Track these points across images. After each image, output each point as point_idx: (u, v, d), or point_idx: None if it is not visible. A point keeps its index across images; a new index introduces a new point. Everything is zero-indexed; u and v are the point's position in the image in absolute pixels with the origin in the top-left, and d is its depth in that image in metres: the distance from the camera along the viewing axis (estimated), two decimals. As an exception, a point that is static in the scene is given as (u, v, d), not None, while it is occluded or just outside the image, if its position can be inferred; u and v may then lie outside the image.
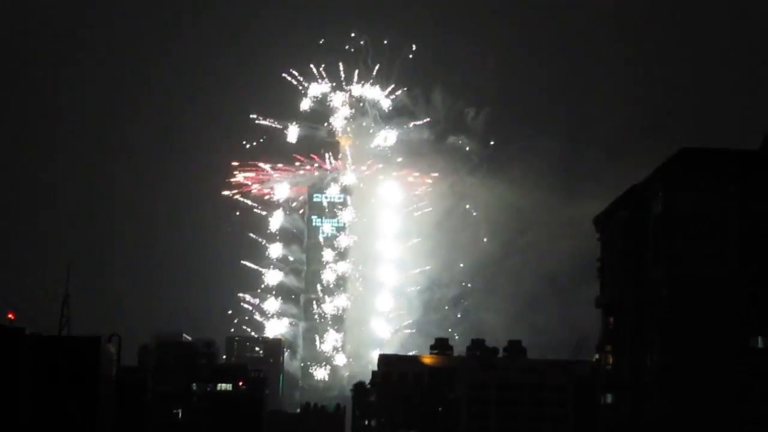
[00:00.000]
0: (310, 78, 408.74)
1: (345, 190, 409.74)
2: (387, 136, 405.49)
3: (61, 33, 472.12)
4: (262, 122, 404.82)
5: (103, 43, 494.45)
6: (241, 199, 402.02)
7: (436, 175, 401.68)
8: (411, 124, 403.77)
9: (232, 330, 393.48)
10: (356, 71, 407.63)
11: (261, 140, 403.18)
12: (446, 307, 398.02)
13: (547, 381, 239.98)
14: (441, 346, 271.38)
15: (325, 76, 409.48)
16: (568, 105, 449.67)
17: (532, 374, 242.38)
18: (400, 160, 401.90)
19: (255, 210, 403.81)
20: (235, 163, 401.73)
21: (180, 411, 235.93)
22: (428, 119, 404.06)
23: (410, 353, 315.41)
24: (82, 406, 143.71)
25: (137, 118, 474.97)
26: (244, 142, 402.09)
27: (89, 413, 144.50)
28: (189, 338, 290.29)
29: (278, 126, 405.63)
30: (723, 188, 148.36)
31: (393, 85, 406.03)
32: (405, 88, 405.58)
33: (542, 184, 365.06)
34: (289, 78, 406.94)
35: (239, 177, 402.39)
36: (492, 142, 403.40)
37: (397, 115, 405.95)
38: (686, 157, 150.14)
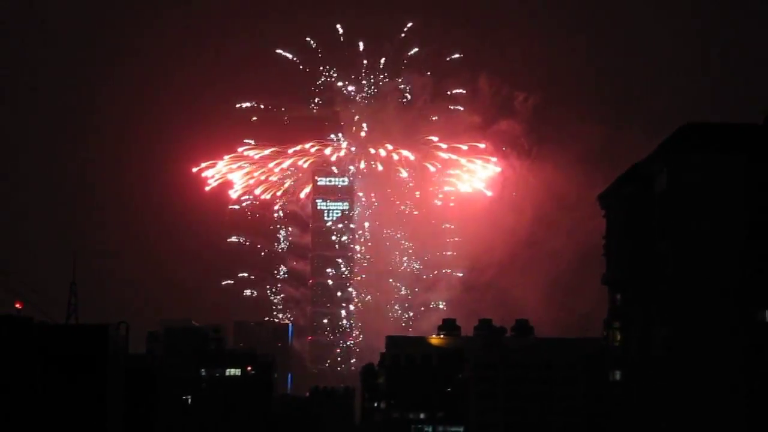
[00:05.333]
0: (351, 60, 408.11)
1: (351, 174, 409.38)
2: (432, 119, 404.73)
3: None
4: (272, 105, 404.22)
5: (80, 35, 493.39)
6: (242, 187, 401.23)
7: (478, 159, 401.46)
8: (455, 108, 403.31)
9: (240, 315, 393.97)
10: (403, 58, 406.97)
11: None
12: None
13: (555, 359, 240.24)
14: (448, 327, 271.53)
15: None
16: (611, 87, 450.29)
17: (539, 353, 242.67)
18: (444, 146, 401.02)
19: (261, 196, 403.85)
20: (240, 148, 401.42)
21: (189, 397, 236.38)
22: (474, 104, 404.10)
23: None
24: (91, 394, 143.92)
25: (139, 104, 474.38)
26: (254, 118, 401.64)
27: (98, 401, 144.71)
28: (197, 324, 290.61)
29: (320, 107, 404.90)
30: (728, 163, 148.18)
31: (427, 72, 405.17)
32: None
33: (586, 167, 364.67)
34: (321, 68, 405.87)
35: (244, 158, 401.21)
36: (535, 126, 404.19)
37: (443, 99, 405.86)
38: (690, 132, 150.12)
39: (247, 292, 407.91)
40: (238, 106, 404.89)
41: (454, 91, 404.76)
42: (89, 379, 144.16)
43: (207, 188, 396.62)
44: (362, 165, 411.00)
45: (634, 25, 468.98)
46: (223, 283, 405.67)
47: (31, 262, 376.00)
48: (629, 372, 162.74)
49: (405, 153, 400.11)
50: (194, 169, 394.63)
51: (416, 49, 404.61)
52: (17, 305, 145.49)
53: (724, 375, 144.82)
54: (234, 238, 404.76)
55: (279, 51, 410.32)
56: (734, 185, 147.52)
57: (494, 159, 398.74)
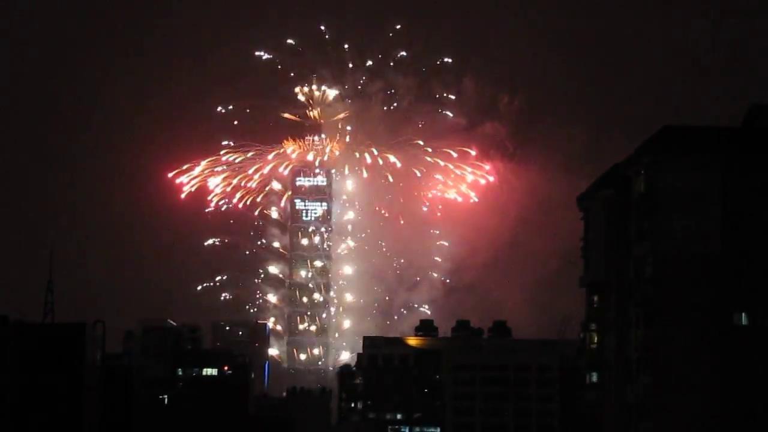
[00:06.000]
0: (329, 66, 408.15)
1: (328, 174, 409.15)
2: (417, 121, 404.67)
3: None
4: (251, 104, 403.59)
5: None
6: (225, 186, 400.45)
7: (462, 160, 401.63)
8: (440, 110, 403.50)
9: (218, 316, 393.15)
10: (392, 58, 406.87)
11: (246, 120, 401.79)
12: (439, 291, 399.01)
13: (532, 361, 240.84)
14: (426, 327, 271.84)
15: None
16: (594, 89, 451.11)
17: (517, 354, 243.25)
18: (426, 146, 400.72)
19: (240, 199, 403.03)
20: (221, 151, 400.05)
21: (166, 397, 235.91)
22: (456, 104, 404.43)
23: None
24: (67, 392, 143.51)
25: (114, 101, 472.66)
26: (236, 122, 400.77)
27: (75, 400, 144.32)
28: (174, 324, 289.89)
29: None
30: (706, 165, 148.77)
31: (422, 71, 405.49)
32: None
33: (570, 168, 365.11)
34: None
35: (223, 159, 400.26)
36: (522, 128, 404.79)
37: (426, 100, 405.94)
38: (668, 134, 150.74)
39: (225, 293, 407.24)
40: (219, 109, 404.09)
41: (439, 94, 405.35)
42: (65, 378, 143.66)
43: (183, 191, 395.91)
44: (345, 167, 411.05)
45: (619, 28, 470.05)
46: (200, 287, 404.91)
47: (6, 260, 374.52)
48: (605, 374, 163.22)
49: (389, 156, 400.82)
50: (170, 174, 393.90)
51: (402, 53, 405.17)
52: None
53: (700, 377, 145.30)
54: (211, 240, 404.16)
55: (259, 53, 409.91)
56: (712, 187, 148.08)
57: (482, 164, 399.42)
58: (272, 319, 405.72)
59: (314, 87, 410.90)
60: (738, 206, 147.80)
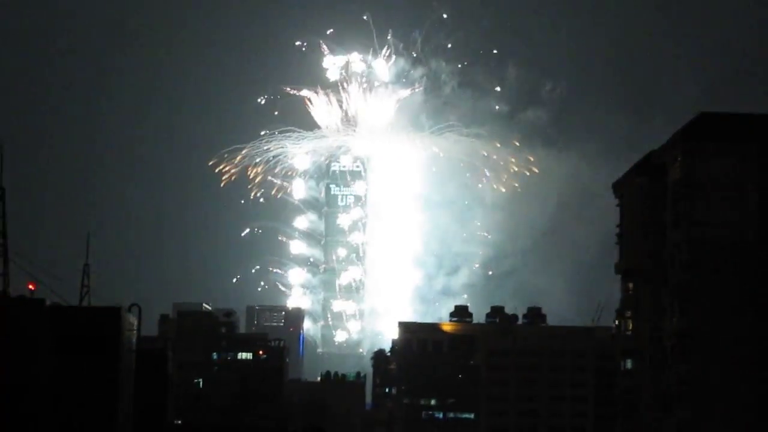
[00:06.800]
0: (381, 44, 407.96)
1: (362, 160, 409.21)
2: (459, 108, 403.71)
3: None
4: (291, 92, 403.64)
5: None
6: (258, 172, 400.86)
7: (506, 147, 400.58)
8: (481, 97, 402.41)
9: (253, 300, 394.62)
10: (434, 45, 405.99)
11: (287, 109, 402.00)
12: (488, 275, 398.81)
13: (567, 347, 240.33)
14: (460, 313, 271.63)
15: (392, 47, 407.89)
16: (636, 77, 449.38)
17: (551, 340, 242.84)
18: (467, 133, 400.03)
19: (275, 180, 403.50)
20: (262, 133, 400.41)
21: (201, 380, 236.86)
22: (499, 90, 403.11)
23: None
24: (103, 376, 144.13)
25: (150, 87, 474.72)
26: (276, 113, 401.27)
27: (110, 384, 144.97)
28: (209, 308, 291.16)
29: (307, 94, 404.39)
30: (742, 152, 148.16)
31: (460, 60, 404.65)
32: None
33: (611, 155, 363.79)
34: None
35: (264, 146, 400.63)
36: (565, 116, 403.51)
37: (468, 87, 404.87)
38: (704, 121, 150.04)
39: (261, 280, 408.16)
40: (260, 100, 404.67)
41: (482, 81, 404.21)
42: (101, 362, 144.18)
43: (223, 180, 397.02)
44: (384, 153, 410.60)
45: (661, 14, 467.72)
46: (237, 273, 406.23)
47: (44, 243, 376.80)
48: (640, 361, 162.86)
49: (431, 143, 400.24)
50: (210, 162, 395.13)
51: (444, 38, 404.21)
52: (30, 287, 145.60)
53: (736, 366, 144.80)
54: (248, 229, 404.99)
55: (299, 43, 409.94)
56: (748, 175, 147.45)
57: (524, 152, 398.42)
58: (308, 304, 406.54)
59: (354, 72, 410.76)
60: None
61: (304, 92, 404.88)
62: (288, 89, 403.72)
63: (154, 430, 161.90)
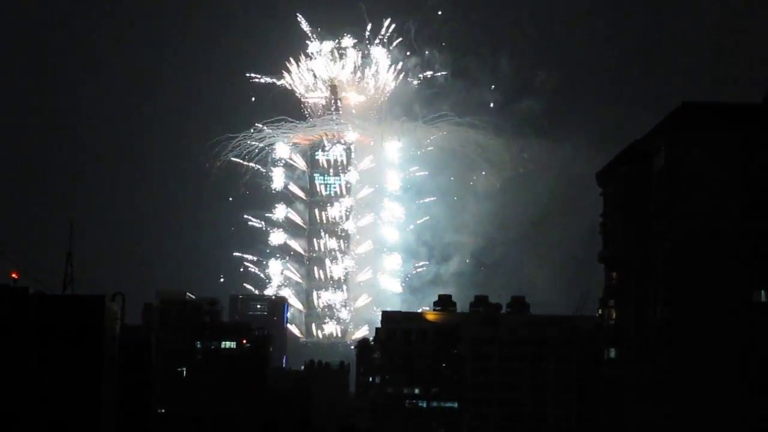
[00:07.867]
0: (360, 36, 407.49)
1: (349, 149, 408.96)
2: (452, 97, 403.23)
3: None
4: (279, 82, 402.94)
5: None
6: (243, 162, 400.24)
7: (495, 138, 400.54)
8: (473, 88, 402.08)
9: (236, 289, 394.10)
10: (428, 34, 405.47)
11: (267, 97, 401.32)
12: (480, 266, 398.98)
13: (550, 336, 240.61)
14: (444, 302, 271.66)
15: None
16: (628, 68, 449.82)
17: (534, 329, 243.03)
18: (460, 122, 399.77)
19: (257, 168, 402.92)
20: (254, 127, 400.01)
21: (184, 369, 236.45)
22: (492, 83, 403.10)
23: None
24: (86, 365, 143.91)
25: (135, 73, 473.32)
26: (253, 99, 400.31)
27: (94, 372, 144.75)
28: (193, 297, 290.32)
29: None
30: (725, 142, 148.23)
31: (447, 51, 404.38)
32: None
33: (602, 147, 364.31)
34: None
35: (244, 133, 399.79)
36: (557, 106, 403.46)
37: (461, 76, 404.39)
38: (688, 111, 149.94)
39: (247, 266, 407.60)
40: (253, 79, 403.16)
41: (475, 71, 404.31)
42: (85, 350, 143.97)
43: (210, 168, 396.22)
44: (374, 141, 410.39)
45: (649, 5, 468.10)
46: (219, 261, 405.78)
47: (27, 232, 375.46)
48: (624, 350, 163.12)
49: (423, 131, 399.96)
50: (197, 152, 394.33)
51: (437, 27, 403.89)
52: (13, 275, 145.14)
53: (719, 354, 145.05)
54: (233, 216, 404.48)
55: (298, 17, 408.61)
56: (731, 163, 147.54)
57: (516, 141, 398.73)
58: (291, 294, 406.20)
59: (347, 60, 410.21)
60: (758, 183, 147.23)
61: (294, 80, 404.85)
62: (274, 80, 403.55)
63: (137, 418, 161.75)
